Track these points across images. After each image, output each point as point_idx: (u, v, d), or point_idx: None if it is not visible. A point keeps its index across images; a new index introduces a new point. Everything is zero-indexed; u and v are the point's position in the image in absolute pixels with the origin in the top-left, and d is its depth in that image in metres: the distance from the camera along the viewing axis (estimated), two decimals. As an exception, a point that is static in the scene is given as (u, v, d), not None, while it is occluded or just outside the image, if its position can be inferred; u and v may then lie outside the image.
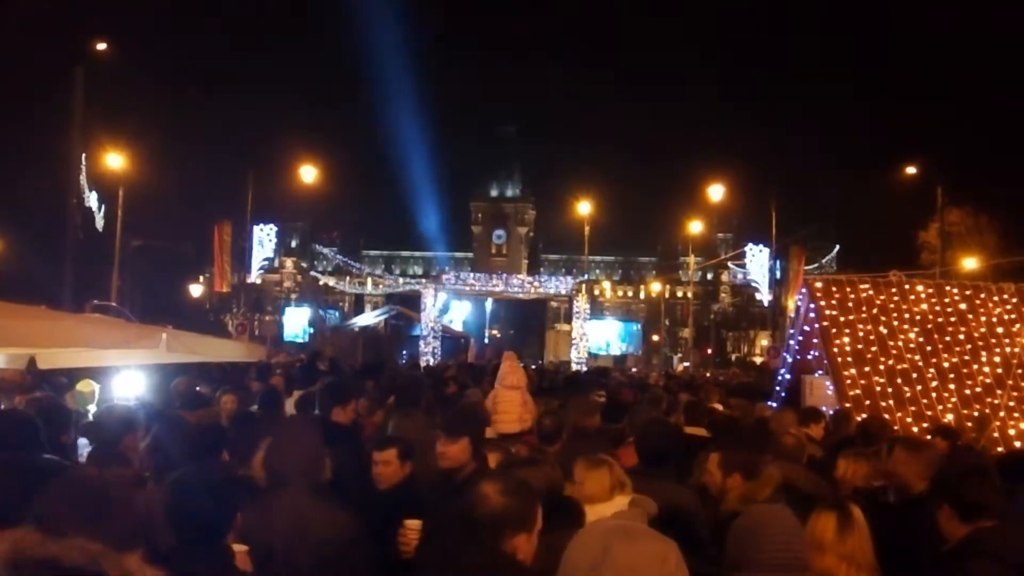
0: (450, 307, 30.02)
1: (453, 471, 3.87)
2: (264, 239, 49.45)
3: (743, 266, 55.64)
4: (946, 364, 9.05)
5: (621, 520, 2.21)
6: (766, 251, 44.91)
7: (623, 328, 48.13)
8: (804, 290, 10.39)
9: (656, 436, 4.34)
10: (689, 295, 55.20)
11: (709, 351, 55.26)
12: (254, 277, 50.27)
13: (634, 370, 31.03)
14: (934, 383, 8.88)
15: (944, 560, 3.15)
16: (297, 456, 3.32)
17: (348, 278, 73.55)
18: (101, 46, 24.64)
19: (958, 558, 3.07)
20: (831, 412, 8.37)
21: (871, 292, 9.79)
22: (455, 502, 3.39)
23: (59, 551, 1.39)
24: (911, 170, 34.29)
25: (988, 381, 8.89)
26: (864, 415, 8.27)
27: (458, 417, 4.17)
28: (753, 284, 53.11)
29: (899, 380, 8.90)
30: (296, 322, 42.17)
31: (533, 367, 21.01)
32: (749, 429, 5.97)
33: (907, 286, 9.95)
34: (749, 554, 2.55)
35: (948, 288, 10.08)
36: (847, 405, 8.50)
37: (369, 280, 71.30)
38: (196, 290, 48.87)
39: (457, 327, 41.73)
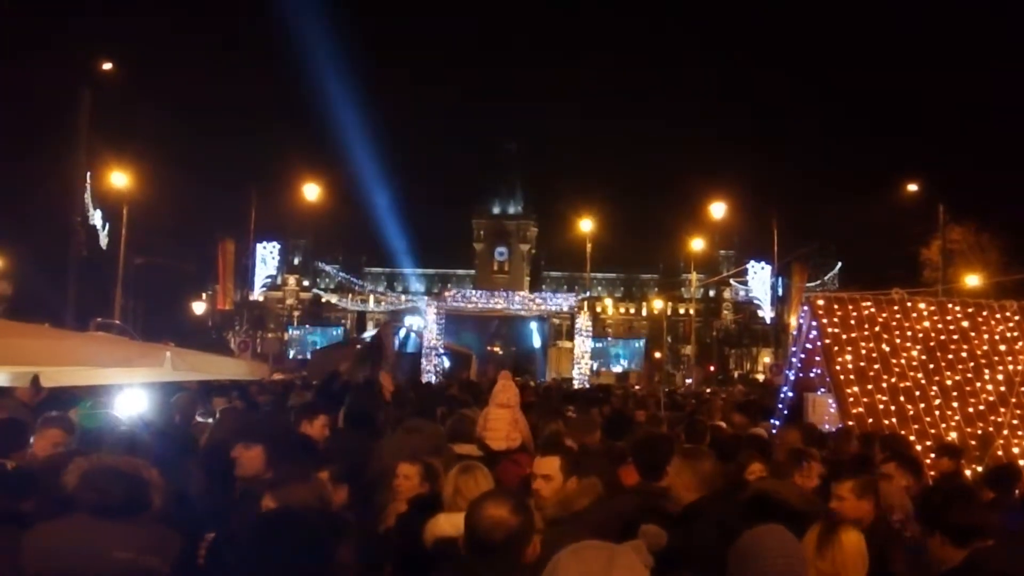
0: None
1: (249, 479, 3.81)
2: (267, 257, 49.76)
3: (745, 283, 55.82)
4: (949, 382, 9.03)
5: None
6: (768, 268, 45.07)
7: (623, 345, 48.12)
8: (806, 307, 10.39)
9: (651, 448, 4.38)
10: (691, 312, 55.16)
11: (712, 368, 55.14)
12: (257, 295, 50.45)
13: (636, 387, 30.97)
14: (937, 401, 8.85)
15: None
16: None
17: (350, 295, 73.59)
18: (107, 67, 24.91)
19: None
20: (833, 430, 8.35)
21: (873, 310, 9.79)
22: (248, 509, 3.41)
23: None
24: (913, 188, 34.42)
25: (991, 399, 8.87)
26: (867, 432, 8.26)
27: (254, 425, 4.16)
28: (755, 301, 53.29)
29: (902, 398, 8.88)
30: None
31: (532, 384, 20.97)
32: (745, 444, 5.95)
33: (909, 304, 9.94)
34: (750, 572, 2.55)
35: (950, 306, 10.07)
36: (850, 423, 8.48)
37: (371, 297, 71.36)
38: (199, 308, 48.91)
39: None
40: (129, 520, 2.93)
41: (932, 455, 7.13)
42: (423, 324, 31.56)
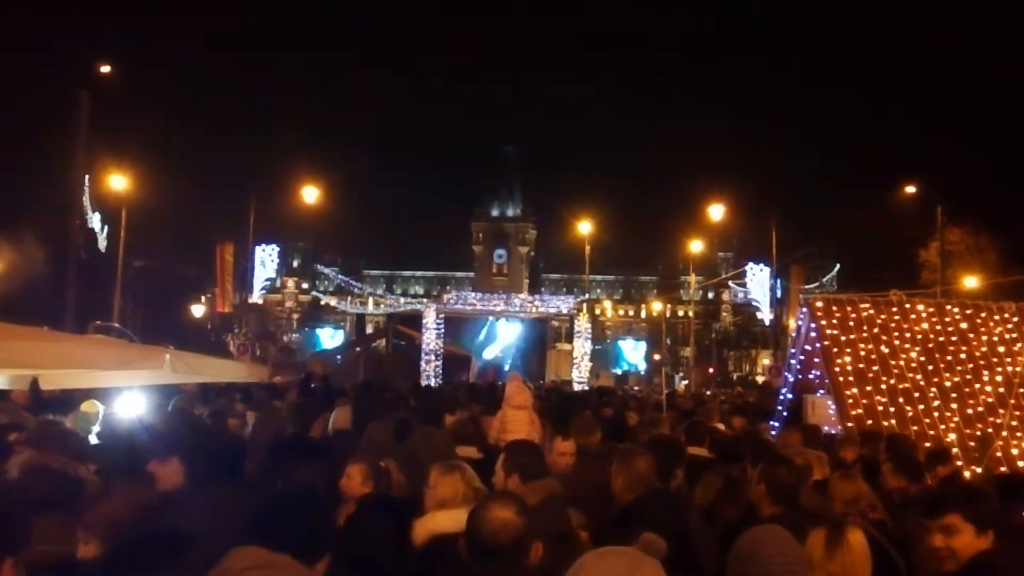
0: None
1: (169, 495, 3.59)
2: (266, 259, 49.74)
3: (744, 285, 55.84)
4: (948, 384, 9.04)
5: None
6: (767, 270, 45.10)
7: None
8: (805, 309, 10.40)
9: (659, 450, 4.37)
10: (690, 314, 55.12)
11: (711, 370, 55.14)
12: (256, 297, 50.41)
13: (636, 388, 30.98)
14: (936, 403, 8.86)
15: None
16: None
17: (349, 298, 73.57)
18: (105, 69, 24.93)
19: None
20: (833, 432, 8.35)
21: (872, 311, 9.80)
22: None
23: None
24: (911, 189, 34.44)
25: (990, 400, 8.88)
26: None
27: (168, 437, 4.09)
28: (754, 303, 53.27)
29: (901, 400, 8.89)
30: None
31: (531, 386, 20.93)
32: (749, 447, 5.95)
33: (908, 305, 9.96)
34: (749, 574, 2.55)
35: (949, 307, 10.09)
36: (849, 425, 8.48)
37: (370, 300, 71.30)
38: (198, 310, 48.85)
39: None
40: (55, 513, 3.18)
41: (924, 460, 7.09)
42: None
